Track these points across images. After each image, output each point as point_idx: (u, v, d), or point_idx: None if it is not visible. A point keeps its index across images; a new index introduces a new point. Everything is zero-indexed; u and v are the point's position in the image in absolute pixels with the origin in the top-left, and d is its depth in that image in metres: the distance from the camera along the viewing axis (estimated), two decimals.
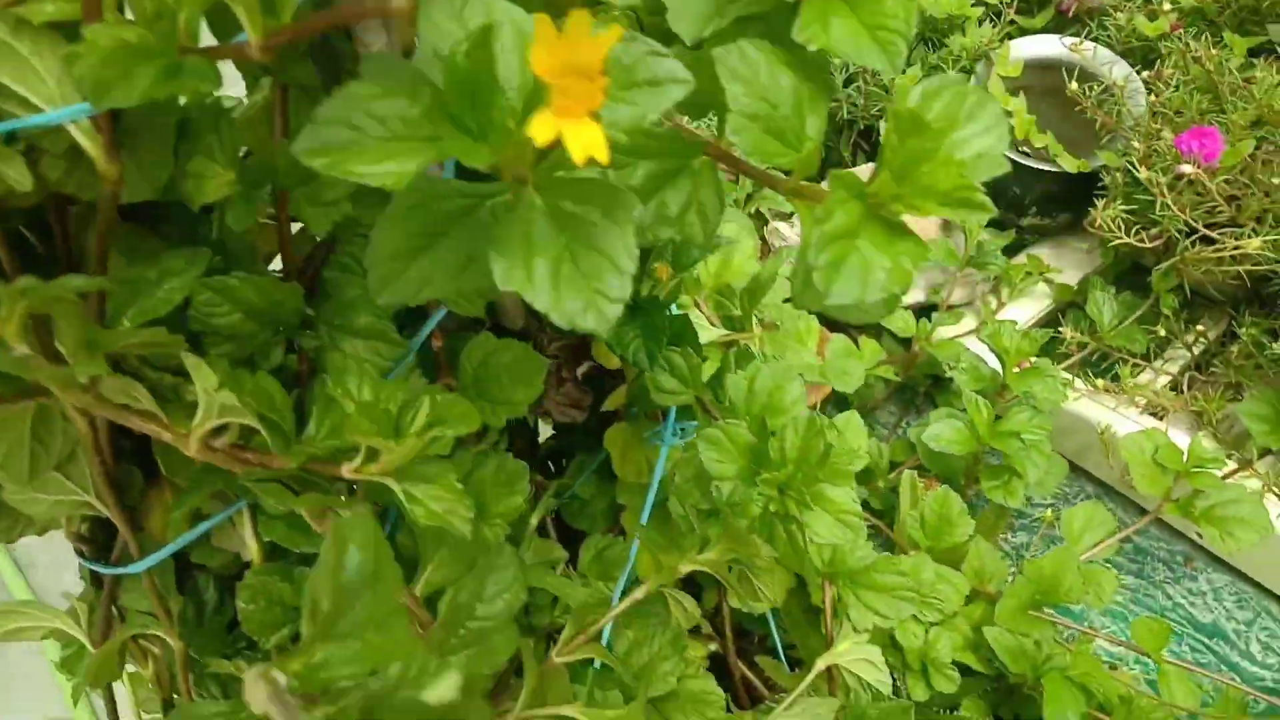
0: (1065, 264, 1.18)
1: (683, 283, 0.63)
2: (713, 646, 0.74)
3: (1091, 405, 1.00)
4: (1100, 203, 0.99)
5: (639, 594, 0.52)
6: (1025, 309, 1.14)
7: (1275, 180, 0.89)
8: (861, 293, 0.28)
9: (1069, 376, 1.01)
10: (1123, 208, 0.97)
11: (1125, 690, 0.82)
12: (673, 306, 0.62)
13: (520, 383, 0.50)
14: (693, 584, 0.77)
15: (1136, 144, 0.98)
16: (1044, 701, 0.73)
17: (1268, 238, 0.89)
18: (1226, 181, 0.95)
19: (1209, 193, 0.92)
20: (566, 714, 0.47)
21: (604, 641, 0.60)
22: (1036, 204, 1.17)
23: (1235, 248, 0.91)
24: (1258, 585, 0.96)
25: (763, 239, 1.17)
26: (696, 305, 0.64)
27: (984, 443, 0.87)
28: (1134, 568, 1.00)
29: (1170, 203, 0.94)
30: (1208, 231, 0.93)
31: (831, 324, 1.17)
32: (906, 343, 1.11)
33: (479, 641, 0.39)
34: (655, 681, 0.62)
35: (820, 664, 0.66)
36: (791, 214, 1.19)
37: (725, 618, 0.73)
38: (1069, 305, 1.15)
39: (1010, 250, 1.20)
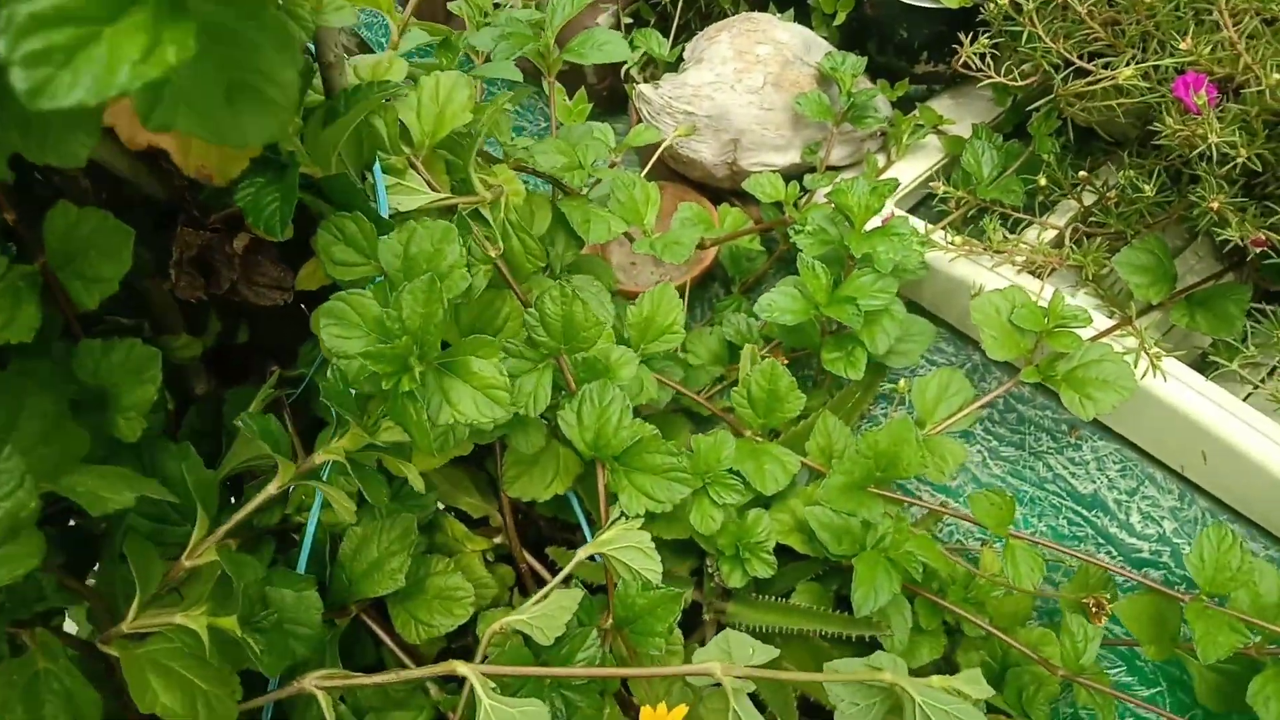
0: (965, 115, 1.08)
1: (384, 138, 0.56)
2: (498, 540, 0.70)
3: (969, 266, 0.92)
4: (965, 39, 0.88)
5: (271, 488, 0.47)
6: (914, 165, 1.04)
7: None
8: (99, 89, 0.22)
9: (943, 235, 0.92)
10: (989, 43, 0.87)
11: (962, 568, 0.76)
12: (375, 167, 0.56)
13: (107, 257, 0.43)
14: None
15: None
16: (853, 583, 0.68)
17: (1142, 65, 0.79)
18: (1109, 3, 0.84)
19: (1081, 18, 0.82)
20: (177, 620, 0.43)
21: (308, 541, 0.56)
22: (927, 48, 1.06)
23: (1109, 79, 0.81)
24: (1143, 452, 0.89)
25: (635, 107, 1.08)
26: (411, 165, 0.57)
27: (822, 311, 0.80)
28: (1015, 439, 0.93)
29: (1041, 32, 0.84)
30: (1081, 63, 0.83)
31: (705, 191, 1.09)
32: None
33: None
34: (383, 579, 0.58)
35: (581, 553, 0.61)
36: (660, 76, 1.10)
37: (506, 509, 0.68)
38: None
39: (909, 101, 1.10)
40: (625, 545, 0.61)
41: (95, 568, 0.51)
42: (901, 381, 0.84)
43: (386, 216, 0.54)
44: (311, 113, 0.53)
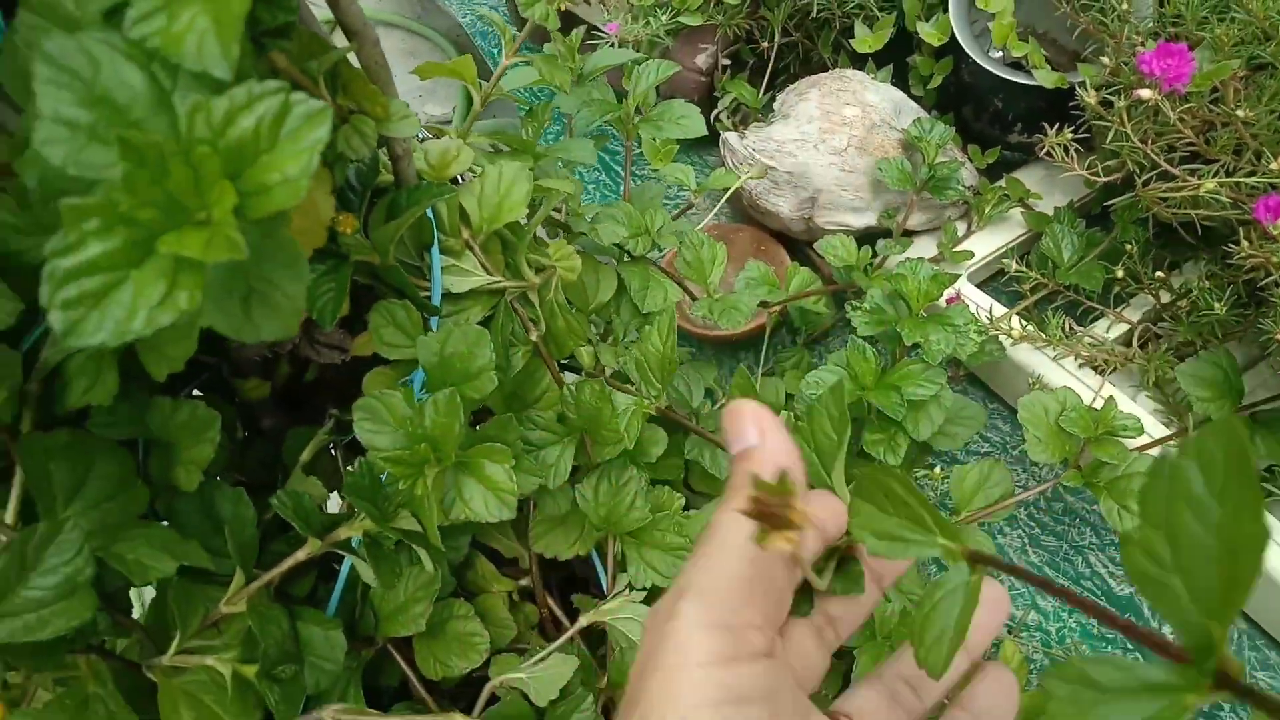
0: (1054, 190, 1.06)
1: (445, 222, 0.61)
2: (524, 581, 0.75)
3: (1030, 352, 0.92)
4: (1051, 128, 0.87)
5: (301, 555, 0.52)
6: (993, 238, 1.04)
7: (1241, 113, 0.76)
8: (118, 332, 0.26)
9: (1017, 320, 0.92)
10: (1070, 136, 0.86)
11: None
12: (434, 250, 0.60)
13: (176, 338, 0.49)
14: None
15: (1106, 60, 0.86)
16: (854, 670, 0.70)
17: (1227, 180, 0.77)
18: (1209, 106, 0.82)
19: (1171, 122, 0.80)
20: (208, 663, 0.49)
21: (339, 589, 0.62)
22: (1022, 120, 1.04)
23: (1191, 187, 0.79)
24: None
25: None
26: (469, 248, 0.61)
27: (866, 396, 0.81)
28: (1058, 529, 0.93)
29: (1130, 131, 0.83)
30: (1168, 166, 0.81)
31: (784, 239, 1.11)
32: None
33: (31, 609, 0.41)
34: (406, 623, 0.63)
35: (583, 620, 0.65)
36: (747, 122, 1.11)
37: (532, 557, 0.73)
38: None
39: (1000, 168, 1.09)
40: (625, 616, 0.65)
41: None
42: (938, 469, 0.85)
43: (439, 297, 0.59)
44: (378, 199, 0.58)
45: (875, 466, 0.30)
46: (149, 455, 0.57)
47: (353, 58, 0.50)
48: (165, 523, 0.56)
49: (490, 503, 0.48)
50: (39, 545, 0.41)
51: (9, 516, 0.46)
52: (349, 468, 0.50)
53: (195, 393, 0.66)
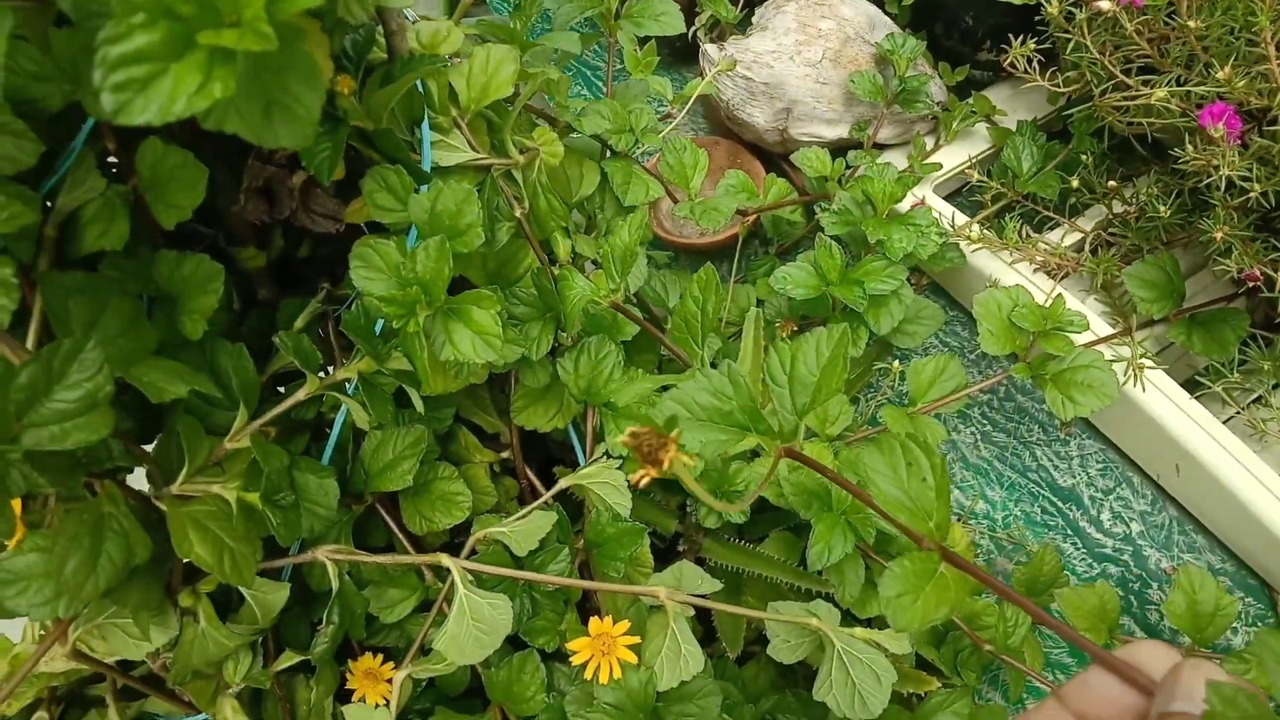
0: (1019, 107, 1.10)
1: (435, 99, 0.64)
2: (505, 455, 0.79)
3: (989, 258, 0.96)
4: (1016, 40, 0.91)
5: (300, 394, 0.56)
6: (960, 151, 1.08)
7: (1193, 24, 0.80)
8: (163, 112, 0.30)
9: (977, 228, 0.96)
10: (1034, 46, 0.90)
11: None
12: (424, 124, 0.63)
13: (184, 189, 0.52)
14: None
15: None
16: (810, 538, 0.75)
17: (1177, 89, 0.81)
18: (1166, 21, 0.86)
19: (1128, 33, 0.84)
20: (214, 490, 0.53)
21: (333, 438, 0.66)
22: (991, 37, 1.08)
23: (1144, 97, 0.83)
24: (1124, 456, 0.94)
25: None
26: (456, 125, 0.64)
27: (831, 290, 0.86)
28: (1009, 426, 0.98)
29: (1090, 43, 0.86)
30: (1123, 77, 0.86)
31: (759, 152, 1.14)
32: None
33: (55, 421, 0.44)
34: (395, 478, 0.67)
35: (563, 483, 0.69)
36: (725, 36, 1.14)
37: (514, 429, 0.77)
38: None
39: (970, 86, 1.13)
40: (602, 481, 0.69)
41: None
42: (895, 363, 0.90)
43: (428, 169, 0.63)
44: (372, 72, 0.61)
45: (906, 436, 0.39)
46: (151, 317, 0.60)
47: None
48: None
49: (477, 345, 0.52)
50: (64, 359, 0.45)
51: (29, 343, 0.49)
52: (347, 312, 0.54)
53: None
